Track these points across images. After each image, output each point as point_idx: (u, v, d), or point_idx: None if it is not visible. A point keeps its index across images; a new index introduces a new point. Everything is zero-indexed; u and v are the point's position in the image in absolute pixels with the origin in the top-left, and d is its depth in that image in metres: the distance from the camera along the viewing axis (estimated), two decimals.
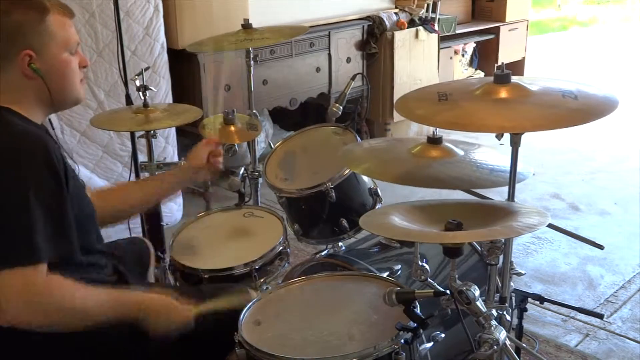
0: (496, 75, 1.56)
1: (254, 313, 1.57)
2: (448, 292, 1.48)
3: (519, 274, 1.82)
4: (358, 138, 2.19)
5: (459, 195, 1.80)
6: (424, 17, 4.55)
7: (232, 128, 2.36)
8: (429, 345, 1.62)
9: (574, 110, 1.48)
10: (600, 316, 2.35)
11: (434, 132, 1.71)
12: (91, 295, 1.37)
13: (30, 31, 1.39)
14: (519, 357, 1.73)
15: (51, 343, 1.41)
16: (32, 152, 1.34)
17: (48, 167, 1.35)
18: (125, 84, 2.78)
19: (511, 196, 1.61)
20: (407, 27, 4.45)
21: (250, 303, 1.60)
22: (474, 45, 5.54)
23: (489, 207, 1.58)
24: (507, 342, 1.46)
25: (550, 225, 1.63)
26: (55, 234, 1.33)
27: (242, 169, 2.44)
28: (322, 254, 2.15)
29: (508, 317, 1.67)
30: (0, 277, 1.25)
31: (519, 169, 1.59)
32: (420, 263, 1.66)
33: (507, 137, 1.55)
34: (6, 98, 1.41)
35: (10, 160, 1.32)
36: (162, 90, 3.33)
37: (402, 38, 4.42)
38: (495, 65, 5.24)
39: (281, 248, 2.05)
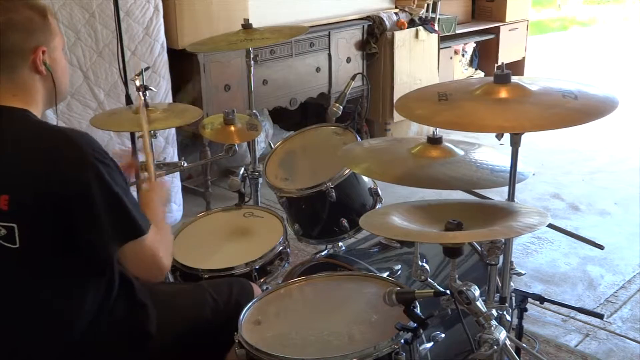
0: (496, 75, 1.55)
1: (254, 313, 1.57)
2: (448, 292, 1.48)
3: (519, 274, 1.82)
4: (358, 138, 2.19)
5: (459, 195, 1.80)
6: (424, 17, 4.55)
7: (232, 128, 2.36)
8: (429, 345, 1.62)
9: (574, 110, 1.48)
10: (600, 316, 2.36)
11: (434, 132, 1.71)
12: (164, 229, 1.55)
13: (40, 27, 1.42)
14: (519, 357, 1.73)
15: (52, 344, 1.41)
16: (96, 143, 1.39)
17: (109, 155, 1.41)
18: (125, 84, 2.78)
19: (511, 196, 1.60)
20: (407, 27, 4.45)
21: (250, 303, 1.60)
22: (474, 45, 5.54)
23: (489, 207, 1.58)
24: (507, 342, 1.46)
25: (550, 225, 1.63)
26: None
27: (242, 169, 2.44)
28: (322, 254, 2.14)
29: (508, 317, 1.67)
30: (144, 241, 1.41)
31: (519, 169, 1.59)
32: (420, 263, 1.66)
33: (507, 137, 1.55)
34: (22, 99, 1.42)
35: (86, 152, 1.35)
36: (162, 90, 3.33)
37: (402, 38, 4.42)
38: (495, 65, 5.24)
39: (281, 248, 2.05)
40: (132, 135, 2.78)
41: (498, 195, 1.74)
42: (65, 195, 1.33)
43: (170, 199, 1.75)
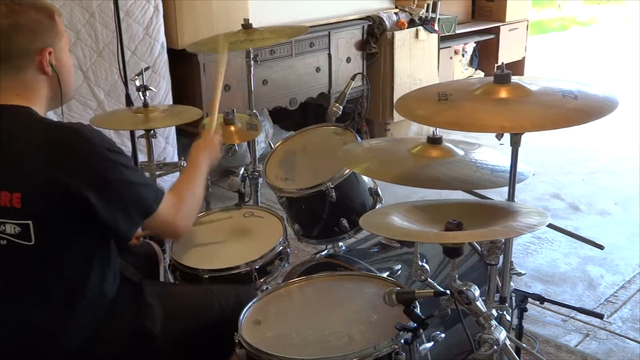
0: (496, 75, 1.56)
1: (254, 313, 1.57)
2: (448, 292, 1.48)
3: (519, 274, 1.82)
4: (358, 138, 2.19)
5: (459, 195, 1.80)
6: (424, 17, 4.55)
7: (232, 128, 2.36)
8: (429, 345, 1.61)
9: (574, 110, 1.48)
10: (600, 316, 2.35)
11: (434, 132, 1.71)
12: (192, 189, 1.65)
13: (47, 29, 1.43)
14: (519, 357, 1.73)
15: (54, 345, 1.41)
16: (102, 133, 1.43)
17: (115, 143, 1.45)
18: (125, 84, 2.78)
19: (511, 196, 1.60)
20: (407, 27, 4.45)
21: (250, 303, 1.60)
22: (474, 45, 5.54)
23: (489, 207, 1.58)
24: (507, 342, 1.46)
25: (550, 225, 1.63)
26: None
27: (242, 169, 2.44)
28: (322, 254, 2.15)
29: (508, 317, 1.67)
30: (159, 214, 1.47)
31: (519, 169, 1.59)
32: (420, 263, 1.65)
33: (507, 137, 1.55)
34: (25, 98, 1.43)
35: (92, 141, 1.38)
36: (162, 90, 3.34)
37: (402, 38, 4.42)
38: (495, 65, 5.24)
39: (281, 248, 2.05)
40: (132, 134, 2.78)
41: (498, 195, 1.74)
42: (78, 187, 1.34)
43: (218, 156, 1.91)
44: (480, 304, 1.43)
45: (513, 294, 1.85)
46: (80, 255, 1.41)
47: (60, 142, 1.36)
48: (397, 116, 4.46)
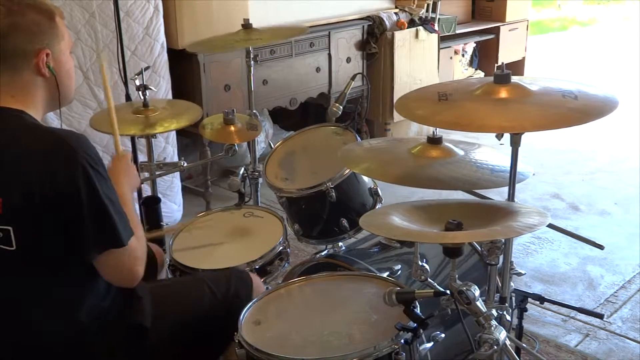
0: (496, 75, 1.56)
1: (254, 313, 1.57)
2: (448, 292, 1.48)
3: (519, 274, 1.82)
4: (358, 138, 2.19)
5: (459, 195, 1.80)
6: (424, 17, 4.55)
7: (232, 128, 2.36)
8: (429, 345, 1.61)
9: (574, 110, 1.48)
10: (600, 316, 2.36)
11: (434, 132, 1.71)
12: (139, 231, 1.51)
13: (46, 30, 1.41)
14: (519, 357, 1.73)
15: (52, 341, 1.41)
16: (90, 147, 1.37)
17: (102, 162, 1.40)
18: (125, 83, 2.78)
19: (511, 196, 1.61)
20: (407, 27, 4.45)
21: (250, 303, 1.60)
22: (474, 45, 5.54)
23: (489, 207, 1.58)
24: (507, 342, 1.46)
25: (550, 225, 1.63)
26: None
27: (242, 169, 2.44)
28: (322, 254, 2.15)
29: (508, 317, 1.68)
30: (125, 251, 1.40)
31: (519, 169, 1.59)
32: (420, 263, 1.65)
33: (507, 137, 1.56)
34: (20, 100, 1.41)
35: (79, 156, 1.33)
36: (162, 90, 3.33)
37: (402, 38, 4.42)
38: (495, 65, 5.24)
39: (281, 248, 2.05)
40: (132, 136, 2.78)
41: (498, 195, 1.74)
42: (56, 195, 1.32)
43: (138, 182, 1.74)
44: (480, 304, 1.43)
45: (513, 294, 1.85)
46: (66, 260, 1.39)
47: (45, 149, 1.33)
48: (397, 116, 4.46)
